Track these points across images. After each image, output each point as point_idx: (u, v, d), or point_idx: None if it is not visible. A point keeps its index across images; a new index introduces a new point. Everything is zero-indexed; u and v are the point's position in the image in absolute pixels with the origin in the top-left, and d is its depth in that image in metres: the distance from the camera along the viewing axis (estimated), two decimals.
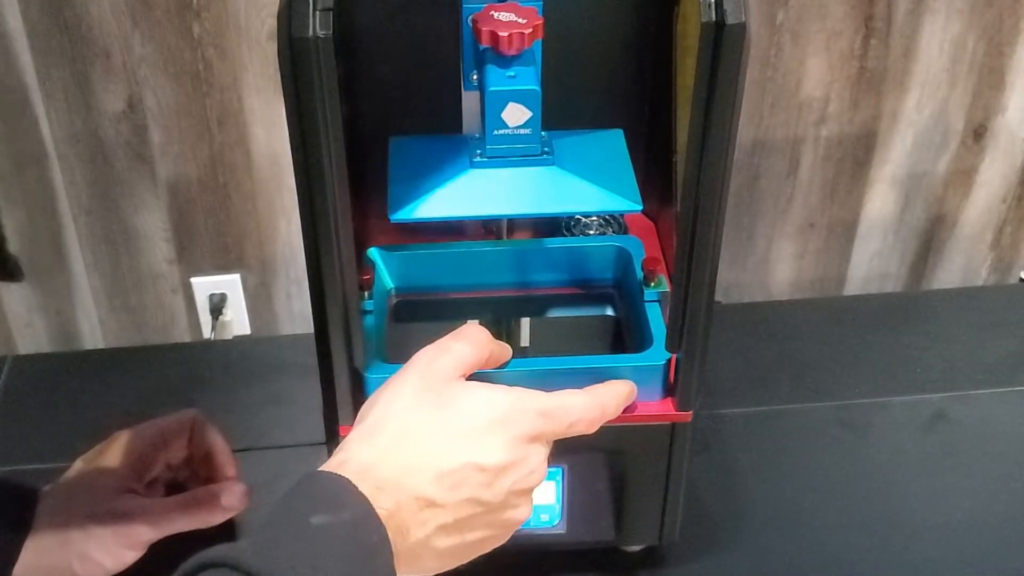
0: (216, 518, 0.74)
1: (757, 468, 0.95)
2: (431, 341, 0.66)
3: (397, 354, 0.75)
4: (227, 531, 0.76)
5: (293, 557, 0.50)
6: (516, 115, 0.61)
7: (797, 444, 0.97)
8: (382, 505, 0.54)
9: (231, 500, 0.74)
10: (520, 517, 0.61)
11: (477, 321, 0.68)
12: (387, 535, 0.54)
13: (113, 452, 0.75)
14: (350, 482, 0.54)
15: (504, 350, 0.66)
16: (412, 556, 0.56)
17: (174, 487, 0.80)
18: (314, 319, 0.66)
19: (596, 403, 0.64)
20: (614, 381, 0.67)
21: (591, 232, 0.82)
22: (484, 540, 0.60)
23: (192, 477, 0.80)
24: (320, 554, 0.51)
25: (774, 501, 0.91)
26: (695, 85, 0.59)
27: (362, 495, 0.54)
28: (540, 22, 0.61)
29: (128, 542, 0.71)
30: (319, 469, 0.56)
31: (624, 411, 0.69)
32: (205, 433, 0.78)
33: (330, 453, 0.71)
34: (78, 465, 0.76)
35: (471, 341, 0.63)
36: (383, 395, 0.61)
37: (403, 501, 0.55)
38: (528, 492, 0.61)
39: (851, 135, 1.80)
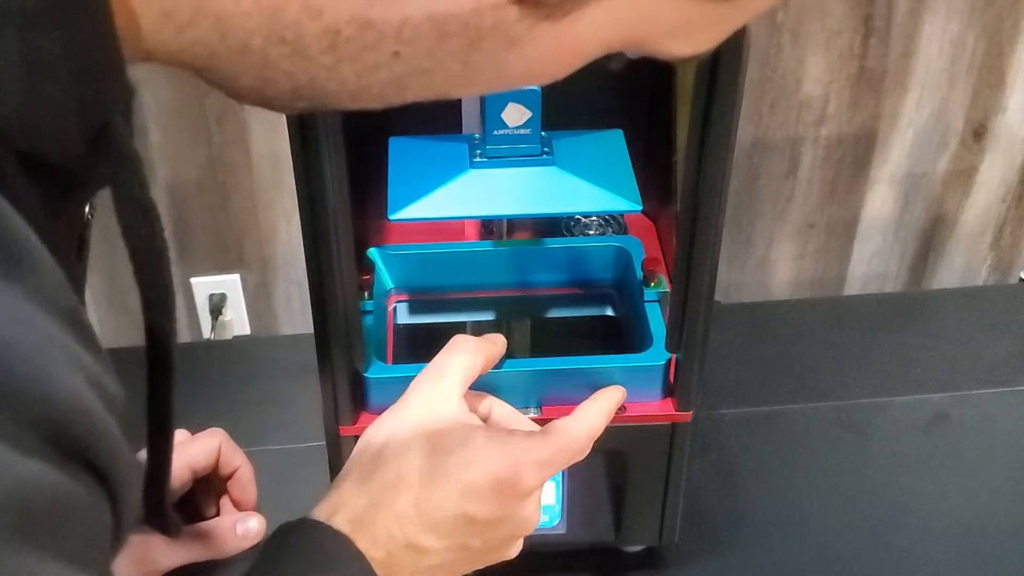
0: (230, 550, 0.74)
1: (757, 468, 0.95)
2: (430, 341, 0.66)
3: (397, 354, 0.75)
4: (239, 559, 0.76)
5: None
6: (516, 115, 0.61)
7: (797, 444, 0.97)
8: (374, 556, 0.55)
9: (248, 533, 0.74)
10: (510, 555, 0.62)
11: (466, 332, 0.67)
12: None
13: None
14: (347, 539, 0.55)
15: (497, 347, 0.66)
16: None
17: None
18: (314, 319, 0.66)
19: (589, 431, 0.64)
20: (603, 393, 0.67)
21: (591, 232, 0.82)
22: (472, 568, 0.62)
23: (206, 488, 0.80)
24: None
25: (774, 501, 0.91)
26: (695, 85, 0.59)
27: (358, 551, 0.55)
28: None
29: (143, 570, 0.70)
30: (315, 518, 0.57)
31: (623, 411, 0.69)
32: (232, 456, 0.77)
33: (329, 452, 0.72)
34: None
35: (465, 351, 0.63)
36: (382, 430, 0.62)
37: (395, 550, 0.57)
38: (521, 537, 0.62)
39: (851, 135, 1.80)
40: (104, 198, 0.39)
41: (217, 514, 0.80)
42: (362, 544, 0.55)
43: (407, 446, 0.59)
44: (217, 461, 0.77)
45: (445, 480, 0.58)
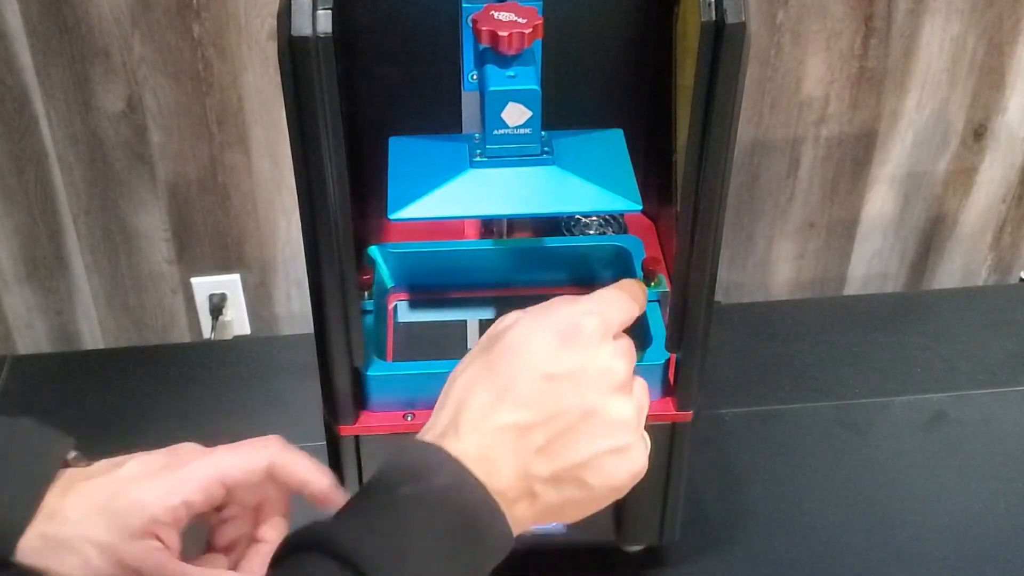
0: None
1: (757, 468, 0.95)
2: (430, 340, 0.66)
3: (397, 352, 0.75)
4: None
5: (384, 534, 0.49)
6: (516, 115, 0.61)
7: (797, 444, 0.97)
8: (469, 454, 0.52)
9: None
10: (623, 415, 0.55)
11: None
12: (488, 496, 0.51)
13: (163, 484, 0.61)
14: (436, 447, 0.52)
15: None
16: (519, 495, 0.53)
17: None
18: (314, 319, 0.66)
19: (624, 286, 0.60)
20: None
21: (591, 232, 0.82)
22: (597, 459, 0.54)
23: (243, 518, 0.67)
24: (413, 525, 0.49)
25: (774, 501, 0.91)
26: (695, 85, 0.59)
27: (453, 458, 0.51)
28: (540, 22, 0.61)
29: None
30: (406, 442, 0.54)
31: None
32: (294, 469, 0.63)
33: (330, 452, 0.72)
34: (128, 468, 0.63)
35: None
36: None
37: (488, 441, 0.52)
38: (620, 388, 0.56)
39: (851, 135, 1.80)
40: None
41: (248, 544, 0.66)
42: (452, 449, 0.52)
43: (463, 366, 0.56)
44: (263, 477, 0.63)
45: (511, 356, 0.55)
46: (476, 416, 0.53)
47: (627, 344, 0.57)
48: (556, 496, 0.54)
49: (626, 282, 0.61)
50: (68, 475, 0.63)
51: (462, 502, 0.51)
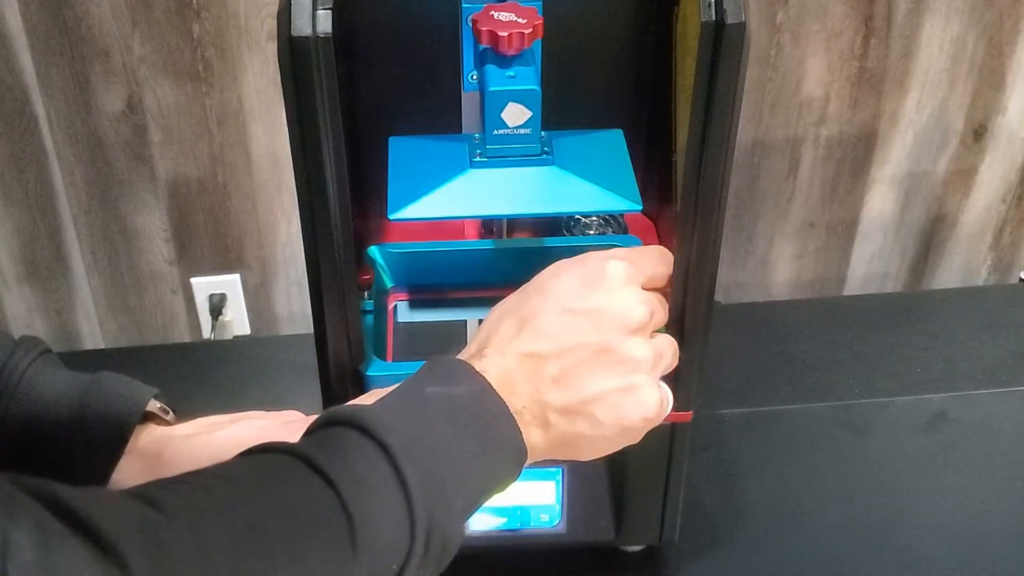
0: None
1: (757, 468, 0.95)
2: (430, 340, 0.66)
3: (397, 352, 0.75)
4: None
5: (406, 416, 0.52)
6: (516, 115, 0.61)
7: (797, 444, 0.97)
8: (488, 368, 0.56)
9: None
10: (637, 356, 0.58)
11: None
12: (507, 408, 0.55)
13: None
14: (466, 363, 0.56)
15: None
16: (533, 420, 0.57)
17: None
18: (314, 319, 0.66)
19: (652, 247, 0.65)
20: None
21: (591, 232, 0.82)
22: (608, 395, 0.58)
23: None
24: (434, 414, 0.53)
25: (774, 501, 0.91)
26: (695, 85, 0.59)
27: (478, 374, 0.55)
28: (540, 22, 0.61)
29: None
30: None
31: None
32: None
33: None
34: (234, 431, 0.67)
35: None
36: None
37: (509, 366, 0.57)
38: (637, 330, 0.59)
39: (851, 135, 1.80)
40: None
41: None
42: (477, 367, 0.56)
43: (499, 304, 0.61)
44: None
45: (539, 294, 0.59)
46: (501, 342, 0.58)
47: (653, 295, 0.61)
48: (568, 428, 0.58)
49: (654, 246, 0.65)
50: (160, 433, 0.65)
51: (482, 409, 0.55)
